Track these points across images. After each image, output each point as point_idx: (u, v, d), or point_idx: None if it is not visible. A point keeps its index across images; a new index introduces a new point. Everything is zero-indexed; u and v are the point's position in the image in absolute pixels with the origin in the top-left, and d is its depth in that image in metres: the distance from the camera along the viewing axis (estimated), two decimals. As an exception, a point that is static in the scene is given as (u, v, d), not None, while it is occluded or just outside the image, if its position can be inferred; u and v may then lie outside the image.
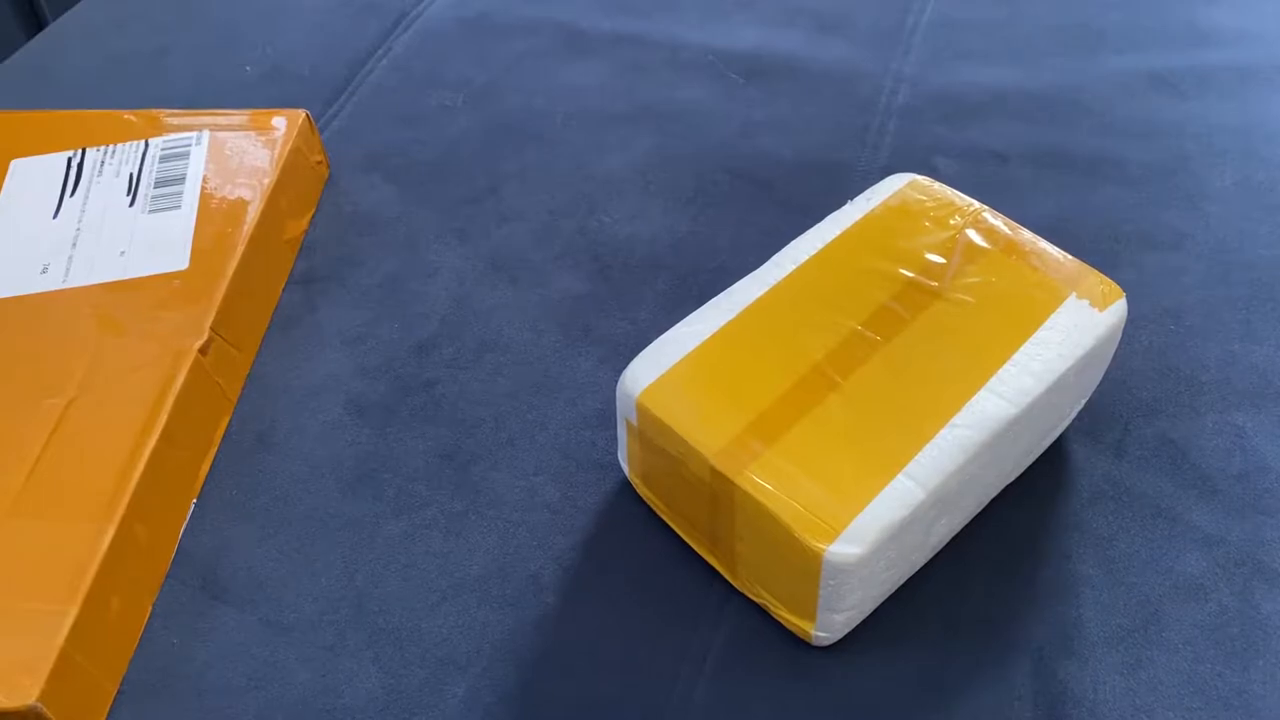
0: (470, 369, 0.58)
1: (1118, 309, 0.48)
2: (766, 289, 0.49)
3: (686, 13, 0.83)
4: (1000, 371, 0.46)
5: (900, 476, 0.43)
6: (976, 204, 0.53)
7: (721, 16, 0.82)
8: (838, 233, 0.52)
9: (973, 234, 0.51)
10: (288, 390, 0.58)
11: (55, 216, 0.62)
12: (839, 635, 0.45)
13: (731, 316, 0.48)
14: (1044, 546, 0.49)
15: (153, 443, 0.50)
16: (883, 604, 0.47)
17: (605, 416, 0.56)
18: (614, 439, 0.55)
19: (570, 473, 0.53)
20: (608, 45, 0.80)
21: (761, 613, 0.48)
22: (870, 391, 0.45)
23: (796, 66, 0.77)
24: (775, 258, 0.51)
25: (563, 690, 0.46)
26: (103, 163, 0.65)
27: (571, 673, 0.46)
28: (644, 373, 0.47)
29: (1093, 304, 0.48)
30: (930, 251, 0.51)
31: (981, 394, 0.45)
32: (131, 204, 0.62)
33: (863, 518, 0.42)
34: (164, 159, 0.65)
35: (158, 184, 0.63)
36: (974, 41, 0.78)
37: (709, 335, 0.48)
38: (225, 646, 0.47)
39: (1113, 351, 0.51)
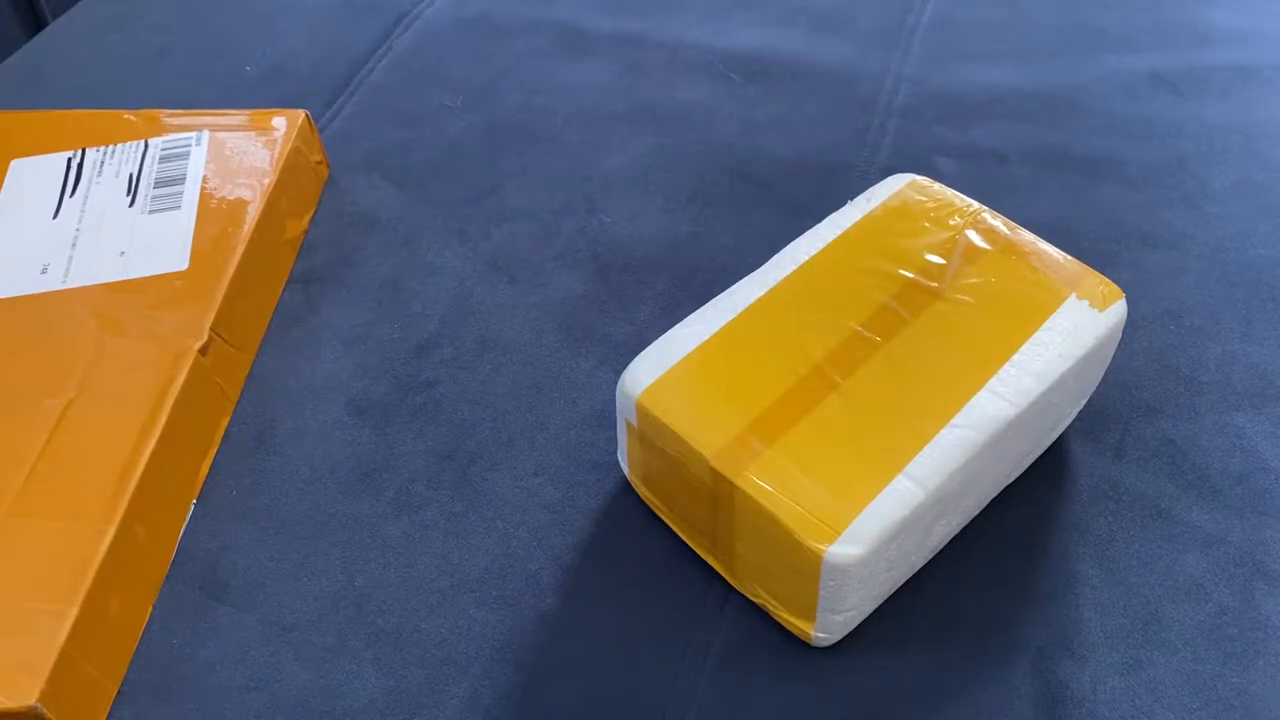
0: (470, 369, 0.58)
1: (1117, 309, 0.48)
2: (766, 289, 0.49)
3: (686, 13, 0.83)
4: (1000, 372, 0.46)
5: (900, 477, 0.43)
6: (976, 204, 0.53)
7: (721, 16, 0.82)
8: (838, 233, 0.52)
9: (972, 234, 0.51)
10: (287, 390, 0.58)
11: (55, 217, 0.62)
12: (839, 636, 0.45)
13: (731, 317, 0.48)
14: (1044, 546, 0.49)
15: (153, 443, 0.50)
16: (883, 604, 0.47)
17: (605, 417, 0.56)
18: (614, 439, 0.55)
19: (570, 473, 0.53)
20: (608, 45, 0.80)
21: (761, 613, 0.48)
22: (870, 392, 0.45)
23: (796, 66, 0.77)
24: (775, 258, 0.51)
25: (562, 691, 0.46)
26: (102, 163, 0.65)
27: (571, 673, 0.46)
28: (644, 373, 0.47)
29: (1092, 304, 0.48)
30: (930, 252, 0.51)
31: (982, 394, 0.45)
32: (131, 204, 0.62)
33: (863, 518, 0.42)
34: (164, 159, 0.65)
35: (158, 184, 0.63)
36: (974, 41, 0.78)
37: (709, 336, 0.48)
38: (225, 647, 0.48)
39: (1112, 352, 0.51)
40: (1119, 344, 0.57)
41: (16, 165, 0.65)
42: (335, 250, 0.65)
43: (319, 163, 0.69)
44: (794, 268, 0.50)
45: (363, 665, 0.47)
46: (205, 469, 0.54)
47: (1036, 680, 0.45)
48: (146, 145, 0.66)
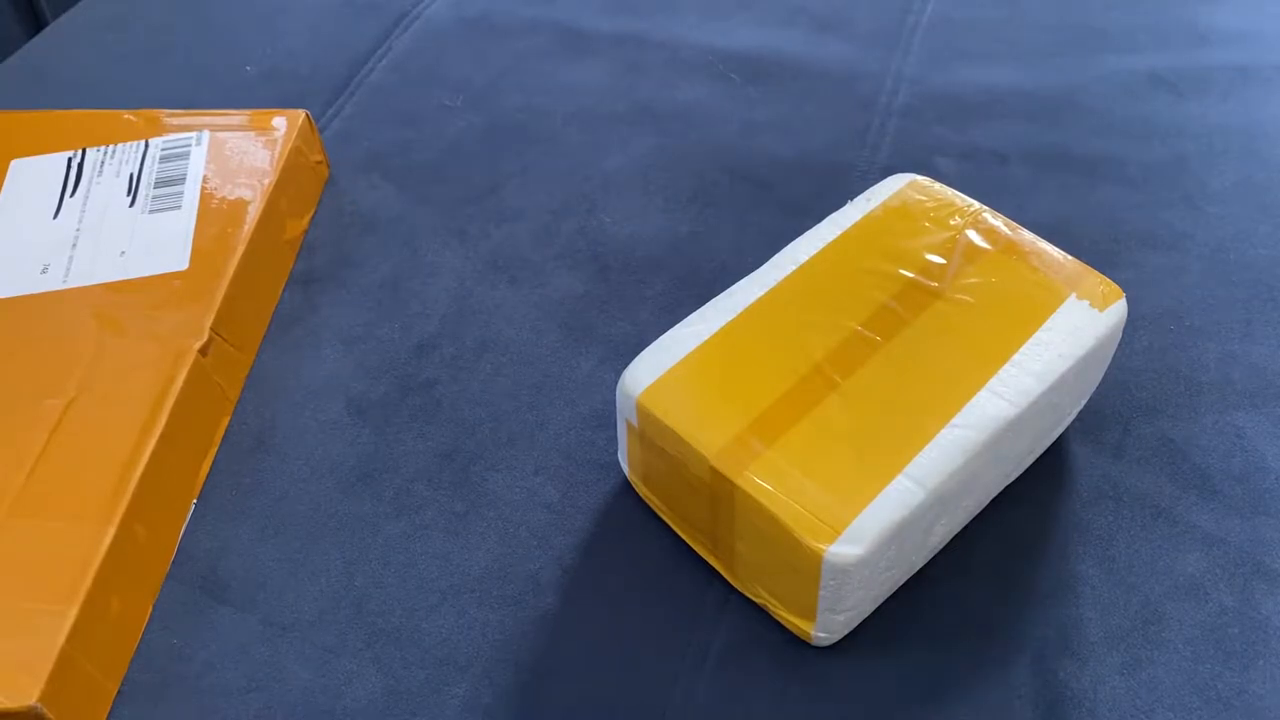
0: (470, 369, 0.58)
1: (1118, 309, 0.48)
2: (766, 289, 0.50)
3: (686, 13, 0.83)
4: (1000, 372, 0.46)
5: (900, 477, 0.43)
6: (976, 204, 0.53)
7: (721, 16, 0.82)
8: (838, 233, 0.52)
9: (973, 234, 0.51)
10: (287, 390, 0.58)
11: (55, 217, 0.62)
12: (839, 635, 0.45)
13: (731, 317, 0.48)
14: (1044, 546, 0.49)
15: (153, 443, 0.50)
16: (883, 604, 0.47)
17: (605, 416, 0.56)
18: (614, 439, 0.55)
19: (570, 473, 0.53)
20: (608, 45, 0.80)
21: (761, 613, 0.48)
22: (870, 392, 0.45)
23: (796, 66, 0.77)
24: (775, 258, 0.51)
25: (563, 691, 0.46)
26: (103, 163, 0.65)
27: (571, 673, 0.46)
28: (644, 373, 0.47)
29: (1093, 304, 0.48)
30: (930, 252, 0.51)
31: (982, 394, 0.45)
32: (132, 204, 0.62)
33: (863, 518, 0.42)
34: (164, 159, 0.65)
35: (158, 184, 0.63)
36: (974, 41, 0.78)
37: (709, 336, 0.48)
38: (225, 647, 0.48)
39: (1113, 352, 0.51)
40: (1119, 344, 0.57)
41: (16, 165, 0.65)
42: (335, 250, 0.65)
43: (319, 163, 0.69)
44: (794, 268, 0.50)
45: (363, 665, 0.47)
46: (205, 469, 0.54)
47: (1036, 680, 0.45)
48: (147, 145, 0.66)
